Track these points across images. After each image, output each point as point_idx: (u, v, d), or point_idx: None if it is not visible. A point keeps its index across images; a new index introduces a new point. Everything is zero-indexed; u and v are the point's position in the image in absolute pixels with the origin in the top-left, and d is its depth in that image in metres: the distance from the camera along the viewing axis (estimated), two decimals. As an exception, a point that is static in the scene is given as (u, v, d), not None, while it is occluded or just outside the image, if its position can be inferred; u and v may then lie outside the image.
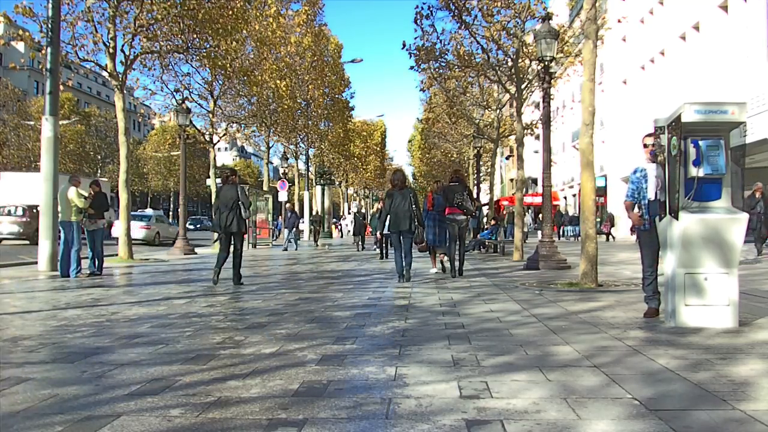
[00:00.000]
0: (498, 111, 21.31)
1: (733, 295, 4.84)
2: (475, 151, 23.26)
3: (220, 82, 21.32)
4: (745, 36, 21.67)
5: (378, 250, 16.19)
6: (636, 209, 5.55)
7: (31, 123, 47.29)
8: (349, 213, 43.88)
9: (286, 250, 20.47)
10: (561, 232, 33.10)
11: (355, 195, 61.27)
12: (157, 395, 3.08)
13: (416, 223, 9.21)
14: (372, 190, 61.84)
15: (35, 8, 12.82)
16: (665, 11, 29.05)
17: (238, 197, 8.75)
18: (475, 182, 23.73)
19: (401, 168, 15.16)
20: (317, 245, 25.41)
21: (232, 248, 8.93)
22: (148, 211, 32.93)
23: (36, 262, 11.80)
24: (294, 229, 21.59)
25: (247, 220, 9.06)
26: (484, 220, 24.80)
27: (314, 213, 31.13)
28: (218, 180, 23.37)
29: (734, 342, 4.35)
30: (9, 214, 21.88)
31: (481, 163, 24.75)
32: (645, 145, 5.47)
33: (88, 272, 10.46)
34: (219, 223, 8.79)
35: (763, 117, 20.05)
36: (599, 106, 13.14)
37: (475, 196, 14.78)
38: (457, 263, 10.03)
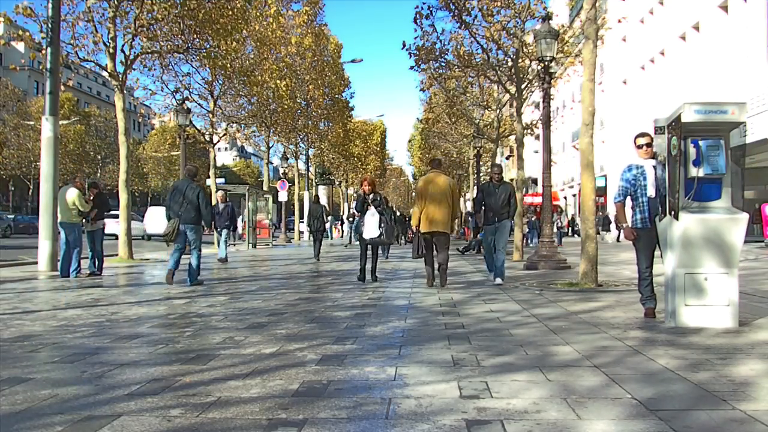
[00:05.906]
0: (498, 111, 21.27)
1: (733, 296, 4.84)
2: (475, 151, 23.23)
3: (220, 82, 21.33)
4: (745, 36, 21.67)
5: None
6: (631, 211, 5.50)
7: (31, 123, 47.33)
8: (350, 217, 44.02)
9: (225, 260, 14.08)
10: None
11: (354, 195, 61.30)
12: (157, 395, 3.08)
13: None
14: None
15: (35, 8, 12.82)
16: (665, 11, 29.06)
17: (323, 212, 15.60)
18: (475, 182, 23.68)
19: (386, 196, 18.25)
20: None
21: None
22: None
23: (36, 262, 11.80)
24: (228, 229, 14.65)
25: (327, 223, 13.93)
26: None
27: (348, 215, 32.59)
28: (218, 180, 23.81)
29: (734, 342, 4.35)
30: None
31: (481, 163, 24.72)
32: (639, 146, 5.43)
33: (88, 272, 10.46)
34: (312, 226, 15.46)
35: (763, 117, 20.05)
36: (599, 106, 13.14)
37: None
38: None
